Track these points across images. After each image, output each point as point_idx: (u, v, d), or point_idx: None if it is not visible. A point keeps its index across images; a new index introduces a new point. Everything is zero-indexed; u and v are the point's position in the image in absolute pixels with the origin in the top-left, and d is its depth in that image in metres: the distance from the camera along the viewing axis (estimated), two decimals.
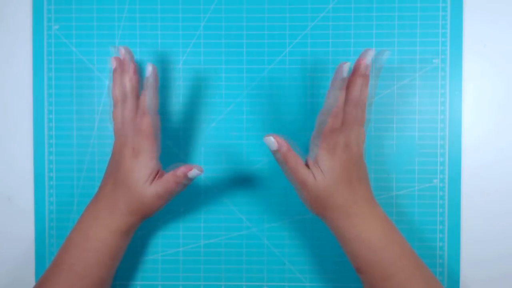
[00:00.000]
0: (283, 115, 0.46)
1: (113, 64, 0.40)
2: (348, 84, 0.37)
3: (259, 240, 0.46)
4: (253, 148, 0.46)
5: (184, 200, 0.46)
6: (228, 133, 0.46)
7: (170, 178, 0.38)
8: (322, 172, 0.37)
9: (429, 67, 0.45)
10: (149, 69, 0.38)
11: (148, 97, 0.38)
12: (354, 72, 0.38)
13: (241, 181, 0.46)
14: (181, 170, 0.38)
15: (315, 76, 0.46)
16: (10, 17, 0.47)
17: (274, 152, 0.38)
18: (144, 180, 0.38)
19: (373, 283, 0.37)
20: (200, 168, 0.38)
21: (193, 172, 0.38)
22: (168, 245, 0.46)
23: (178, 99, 0.46)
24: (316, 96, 0.45)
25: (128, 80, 0.39)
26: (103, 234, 0.38)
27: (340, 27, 0.45)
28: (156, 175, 0.38)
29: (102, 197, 0.39)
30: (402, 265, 0.37)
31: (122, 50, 0.40)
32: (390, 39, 0.45)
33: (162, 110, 0.46)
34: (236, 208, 0.46)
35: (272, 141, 0.37)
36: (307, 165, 0.38)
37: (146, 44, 0.46)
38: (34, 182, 0.46)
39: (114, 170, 0.39)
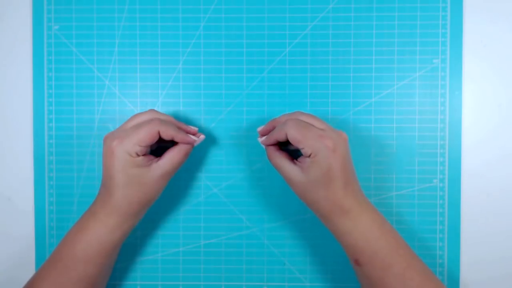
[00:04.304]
0: None
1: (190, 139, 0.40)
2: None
3: (259, 240, 0.46)
4: (253, 148, 0.46)
5: (184, 200, 0.46)
6: (228, 133, 0.46)
7: (176, 152, 0.39)
8: (308, 169, 0.37)
9: (429, 67, 0.45)
10: (201, 137, 0.41)
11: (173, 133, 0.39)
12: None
13: (241, 181, 0.46)
14: (188, 143, 0.40)
15: (315, 76, 0.45)
16: (10, 17, 0.47)
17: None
18: (132, 163, 0.37)
19: (372, 274, 0.37)
20: (202, 135, 0.41)
21: (199, 141, 0.41)
22: (168, 245, 0.46)
23: (178, 99, 0.46)
24: (316, 96, 0.45)
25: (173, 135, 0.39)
26: (97, 228, 0.38)
27: (340, 27, 0.45)
28: (145, 158, 0.38)
29: (97, 198, 0.39)
30: (399, 254, 0.37)
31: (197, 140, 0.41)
32: (390, 39, 0.45)
33: (162, 110, 0.46)
34: (236, 208, 0.46)
35: (260, 141, 0.41)
36: (297, 160, 0.39)
37: (146, 44, 0.46)
38: (34, 182, 0.46)
39: (102, 179, 0.39)
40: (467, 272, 0.46)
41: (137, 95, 0.46)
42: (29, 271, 0.46)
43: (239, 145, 0.46)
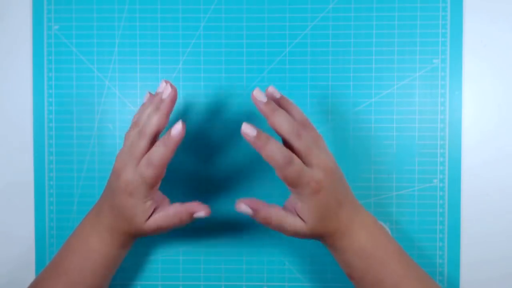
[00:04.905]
0: None
1: (147, 97, 0.41)
2: (270, 122, 0.36)
3: (259, 240, 0.46)
4: (253, 148, 0.46)
5: (184, 200, 0.46)
6: (228, 133, 0.46)
7: (174, 214, 0.37)
8: (306, 219, 0.36)
9: (429, 67, 0.45)
10: (178, 128, 0.35)
11: (163, 154, 0.35)
12: (260, 108, 0.36)
13: (241, 181, 0.46)
14: (187, 209, 0.37)
15: (315, 76, 0.46)
16: (10, 17, 0.47)
17: (253, 217, 0.37)
18: (138, 218, 0.37)
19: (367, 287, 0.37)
20: (207, 210, 0.37)
21: (199, 214, 0.37)
22: (168, 245, 0.46)
23: (178, 99, 0.46)
24: (316, 96, 0.45)
25: (156, 120, 0.36)
26: (100, 244, 0.38)
27: (340, 27, 0.45)
28: (153, 211, 0.37)
29: (101, 213, 0.39)
30: (392, 269, 0.37)
31: (168, 88, 0.37)
32: (390, 39, 0.45)
33: None
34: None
35: (244, 208, 0.36)
36: (290, 209, 0.37)
37: (146, 44, 0.46)
38: (34, 182, 0.46)
39: (110, 196, 0.37)
40: (467, 272, 0.46)
41: (137, 95, 0.46)
42: (29, 271, 0.46)
43: (239, 145, 0.46)
